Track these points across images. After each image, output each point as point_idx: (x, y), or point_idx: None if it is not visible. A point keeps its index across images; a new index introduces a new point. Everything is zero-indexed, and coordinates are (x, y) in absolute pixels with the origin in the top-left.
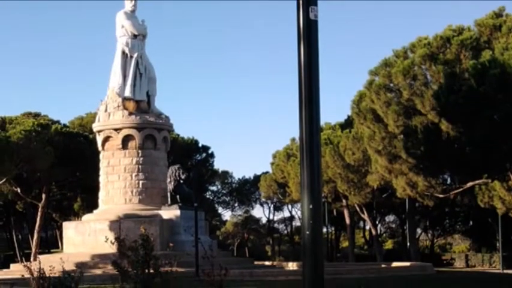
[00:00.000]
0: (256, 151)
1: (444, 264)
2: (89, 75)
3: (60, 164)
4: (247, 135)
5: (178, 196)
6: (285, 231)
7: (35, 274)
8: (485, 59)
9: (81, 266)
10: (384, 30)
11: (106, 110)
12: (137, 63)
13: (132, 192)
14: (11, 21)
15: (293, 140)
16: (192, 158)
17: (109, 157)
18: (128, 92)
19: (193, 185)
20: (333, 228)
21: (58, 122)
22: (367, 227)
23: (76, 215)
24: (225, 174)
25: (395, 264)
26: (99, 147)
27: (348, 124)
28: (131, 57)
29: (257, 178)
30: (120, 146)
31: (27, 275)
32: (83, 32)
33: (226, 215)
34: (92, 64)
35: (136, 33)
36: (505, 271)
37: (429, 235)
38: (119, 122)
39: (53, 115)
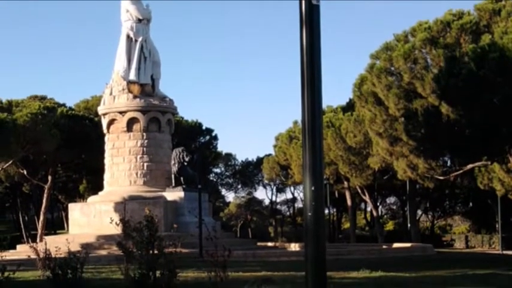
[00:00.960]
0: (259, 134)
1: (444, 245)
2: (94, 59)
3: (66, 147)
4: (251, 118)
5: (182, 178)
6: (288, 213)
7: (41, 255)
8: (484, 43)
9: (86, 247)
10: (384, 15)
11: (111, 93)
12: (142, 47)
13: (136, 174)
14: (17, 6)
15: (295, 122)
16: (195, 140)
17: (114, 139)
18: (132, 76)
19: (197, 167)
20: (334, 210)
21: (64, 105)
22: (369, 209)
23: (81, 197)
24: (229, 156)
25: (396, 245)
26: (104, 130)
27: (349, 107)
28: (136, 41)
29: (260, 160)
30: (125, 129)
31: (33, 256)
32: (88, 16)
33: (230, 196)
34: (97, 48)
35: (140, 18)
36: (504, 252)
37: (429, 216)
38: (124, 105)
39: (58, 98)
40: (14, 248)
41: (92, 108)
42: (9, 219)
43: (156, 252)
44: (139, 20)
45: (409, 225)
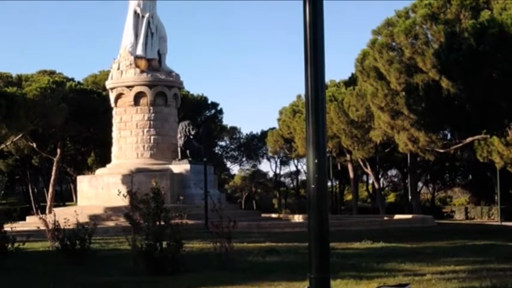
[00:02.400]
0: (263, 107)
1: (444, 217)
2: (102, 34)
3: (75, 120)
4: (255, 92)
5: (188, 151)
6: (291, 185)
7: (50, 226)
8: (484, 19)
9: (94, 218)
10: None
11: (118, 68)
12: (148, 23)
13: (143, 147)
14: None
15: (299, 96)
16: (201, 114)
17: (121, 113)
18: (139, 51)
19: (202, 140)
20: (337, 182)
21: (72, 79)
22: (370, 181)
23: (90, 169)
24: (233, 129)
25: (397, 216)
26: (112, 104)
27: (351, 81)
28: (143, 17)
29: (264, 134)
30: (132, 103)
31: (42, 227)
32: None
33: (235, 169)
34: (105, 23)
35: None
36: (503, 223)
37: (430, 188)
38: (131, 79)
39: (67, 73)
40: (24, 219)
41: (99, 82)
42: (19, 191)
43: (162, 223)
44: None
45: (410, 197)
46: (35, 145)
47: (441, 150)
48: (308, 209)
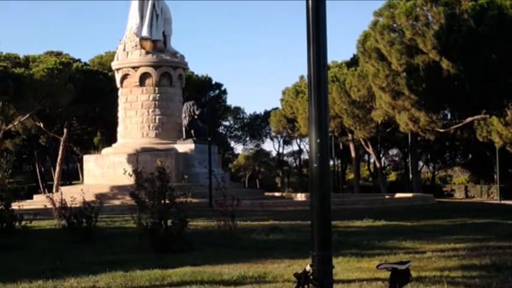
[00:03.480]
0: (266, 88)
1: (445, 195)
2: (109, 16)
3: (81, 100)
4: (259, 73)
5: (192, 131)
6: (294, 164)
7: (57, 204)
8: (483, 1)
9: (100, 197)
10: None
11: (124, 49)
12: (154, 5)
13: (149, 127)
14: None
15: (301, 77)
16: (205, 94)
17: (127, 94)
18: (145, 32)
19: (207, 120)
20: (339, 161)
21: (79, 60)
22: (372, 160)
23: (96, 149)
24: (237, 110)
25: (398, 195)
26: (118, 85)
27: (353, 62)
28: None
29: (267, 114)
30: (138, 83)
31: (49, 206)
32: None
33: (238, 148)
34: (111, 5)
35: None
36: (503, 202)
37: (430, 167)
38: (137, 60)
39: (74, 54)
40: (31, 198)
41: (105, 63)
42: (26, 170)
43: (167, 202)
44: None
45: (410, 176)
46: (42, 125)
47: (441, 130)
48: (310, 188)
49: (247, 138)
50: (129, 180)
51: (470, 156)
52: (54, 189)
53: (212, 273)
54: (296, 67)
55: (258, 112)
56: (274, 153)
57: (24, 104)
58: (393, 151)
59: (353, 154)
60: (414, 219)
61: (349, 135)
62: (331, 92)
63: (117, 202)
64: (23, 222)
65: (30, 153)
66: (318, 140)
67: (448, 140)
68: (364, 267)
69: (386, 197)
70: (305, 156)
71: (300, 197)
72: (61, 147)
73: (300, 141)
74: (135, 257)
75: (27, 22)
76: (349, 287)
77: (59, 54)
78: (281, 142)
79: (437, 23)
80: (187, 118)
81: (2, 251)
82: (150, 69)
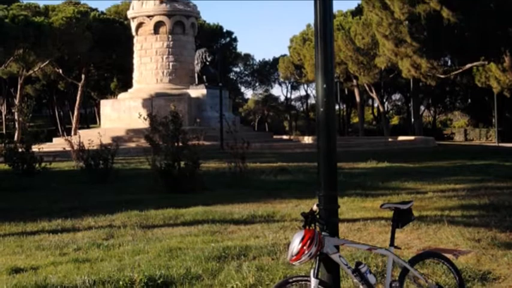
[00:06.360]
0: (275, 36)
1: (445, 138)
2: None
3: (98, 48)
4: (268, 21)
5: (204, 76)
6: (301, 108)
7: (75, 147)
8: None
9: (116, 139)
10: None
11: None
12: None
13: (163, 73)
14: None
15: (308, 25)
16: (217, 42)
17: (142, 41)
18: None
19: (218, 67)
20: (344, 106)
21: (96, 9)
22: (375, 105)
23: (112, 94)
24: (247, 56)
25: (400, 138)
26: (133, 33)
27: (358, 11)
28: None
29: (276, 60)
30: (152, 31)
31: (68, 148)
32: None
33: (248, 93)
34: None
35: None
36: (500, 144)
37: (431, 112)
38: (151, 9)
39: (91, 3)
40: (51, 141)
41: (122, 12)
42: (46, 114)
43: (180, 144)
44: None
45: (412, 119)
46: (61, 71)
47: (442, 76)
48: (317, 131)
49: (257, 84)
50: (144, 124)
51: (469, 100)
52: (72, 133)
53: (223, 212)
54: (303, 15)
55: (267, 59)
56: (282, 98)
57: (44, 51)
58: (396, 96)
59: (357, 99)
60: (416, 161)
61: (354, 80)
62: (336, 39)
63: (132, 145)
64: (43, 164)
65: (50, 98)
66: (324, 86)
67: (448, 86)
68: (368, 207)
69: (390, 140)
70: (312, 100)
71: (307, 139)
72: (79, 93)
73: (307, 86)
74: (149, 197)
75: None
76: (354, 226)
77: (77, 3)
78: (289, 87)
79: None
80: (199, 64)
81: (22, 191)
82: (164, 18)
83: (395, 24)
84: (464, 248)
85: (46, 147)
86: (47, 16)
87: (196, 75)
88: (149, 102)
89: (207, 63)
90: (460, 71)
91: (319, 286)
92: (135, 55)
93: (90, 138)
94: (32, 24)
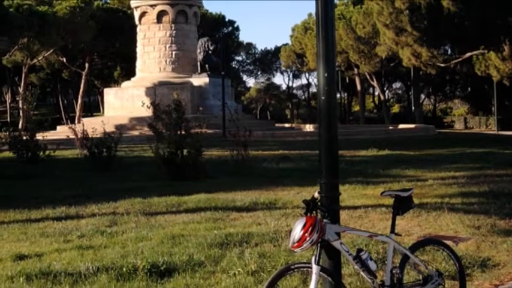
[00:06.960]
0: (277, 25)
1: (445, 126)
2: None
3: (102, 37)
4: (270, 10)
5: (207, 65)
6: (303, 97)
7: (79, 135)
8: None
9: (120, 127)
10: None
11: None
12: None
13: (166, 61)
14: None
15: (310, 15)
16: (219, 31)
17: (145, 30)
18: None
19: (220, 55)
20: (345, 94)
21: None
22: (376, 93)
23: (116, 82)
24: (249, 45)
25: (401, 126)
26: (137, 22)
27: (359, 1)
28: None
29: (278, 49)
30: (155, 20)
31: (72, 136)
32: None
33: (250, 82)
34: None
35: None
36: (500, 132)
37: (432, 100)
38: None
39: None
40: (55, 129)
41: (125, 1)
42: (50, 103)
43: (183, 132)
44: None
45: (413, 108)
46: (65, 60)
47: (442, 65)
48: (318, 119)
49: (259, 73)
50: (147, 112)
51: (469, 89)
52: (76, 121)
53: (226, 199)
54: (305, 4)
55: (269, 48)
56: (284, 87)
57: (48, 40)
58: (396, 84)
59: (358, 87)
60: (416, 148)
61: (355, 69)
62: (337, 28)
63: (135, 133)
64: (47, 152)
65: (54, 86)
66: (326, 74)
67: (449, 74)
68: (369, 194)
69: (390, 127)
70: (313, 89)
71: (309, 127)
72: (83, 81)
73: (309, 75)
74: (152, 184)
75: None
76: (355, 213)
77: None
78: (291, 76)
79: None
80: (202, 53)
81: (27, 178)
82: (166, 7)
83: (396, 14)
84: (464, 235)
85: (50, 135)
86: (51, 5)
87: (198, 64)
88: (152, 91)
89: (210, 52)
90: (460, 59)
91: (321, 273)
92: (138, 44)
93: (93, 126)
94: (36, 13)
